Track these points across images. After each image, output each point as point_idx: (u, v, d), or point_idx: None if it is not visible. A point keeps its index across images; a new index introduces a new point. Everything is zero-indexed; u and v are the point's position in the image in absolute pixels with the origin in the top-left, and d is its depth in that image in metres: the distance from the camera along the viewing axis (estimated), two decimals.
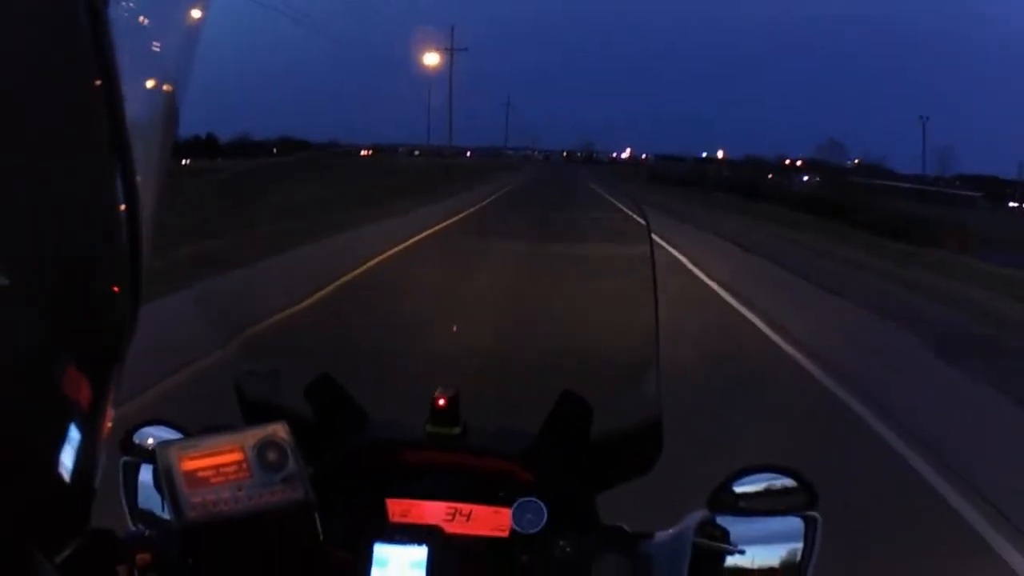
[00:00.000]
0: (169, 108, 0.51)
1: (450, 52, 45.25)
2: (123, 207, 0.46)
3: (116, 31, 0.43)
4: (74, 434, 0.45)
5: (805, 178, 55.46)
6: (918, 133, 60.48)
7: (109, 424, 0.50)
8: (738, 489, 1.09)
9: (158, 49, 0.50)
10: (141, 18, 0.48)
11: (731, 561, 1.07)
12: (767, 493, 1.09)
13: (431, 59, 45.81)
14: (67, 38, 0.42)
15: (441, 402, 1.23)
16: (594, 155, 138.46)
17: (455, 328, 6.64)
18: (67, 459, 0.45)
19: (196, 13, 0.52)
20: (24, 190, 0.41)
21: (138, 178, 0.46)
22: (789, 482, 1.09)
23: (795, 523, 1.08)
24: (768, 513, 1.09)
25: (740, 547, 1.07)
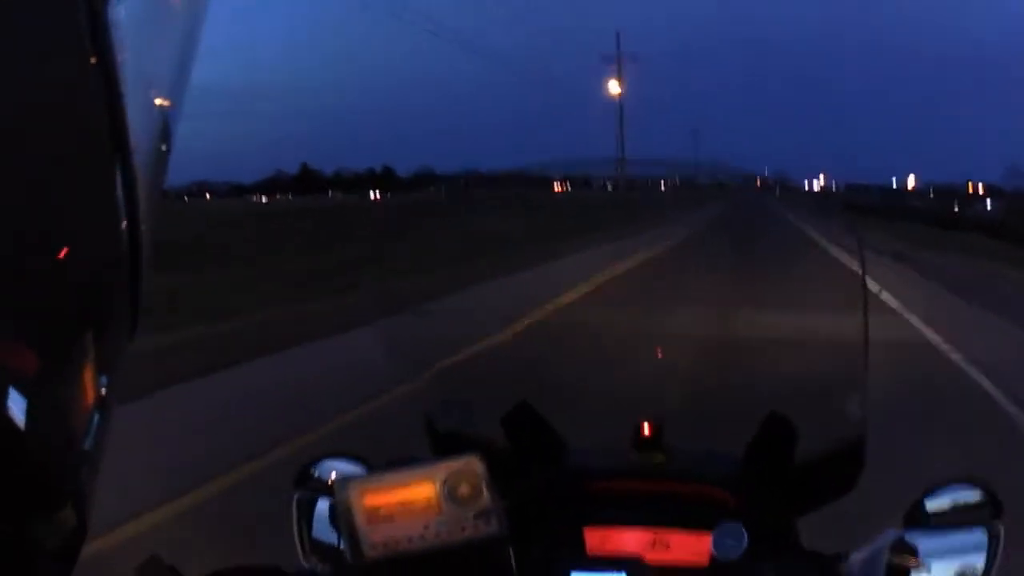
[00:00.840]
0: (170, 108, 0.51)
1: (619, 69, 45.71)
2: (123, 207, 0.46)
3: (116, 32, 0.44)
4: (71, 447, 0.45)
5: (988, 205, 53.33)
6: None
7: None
8: (930, 505, 1.09)
9: (158, 49, 0.50)
10: (141, 17, 0.48)
11: None
12: (956, 507, 1.10)
13: (614, 87, 47.17)
14: (67, 38, 0.42)
15: (646, 429, 1.22)
16: (789, 184, 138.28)
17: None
18: (66, 467, 0.45)
19: (197, 12, 0.53)
20: (23, 191, 0.41)
21: (138, 179, 0.46)
22: (977, 494, 1.09)
23: (979, 535, 1.07)
24: (955, 527, 1.08)
25: (925, 561, 1.06)
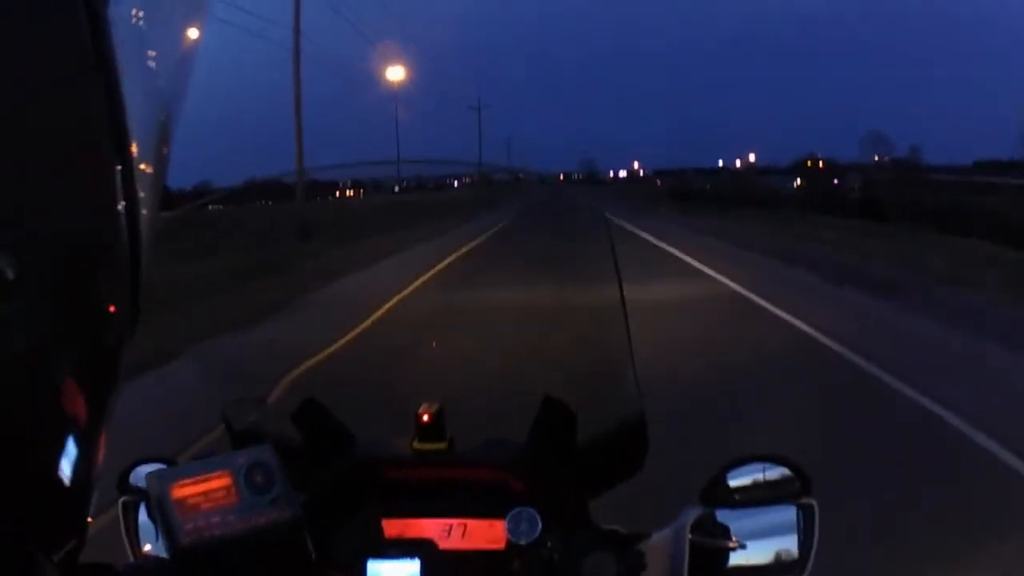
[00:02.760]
0: (169, 108, 0.53)
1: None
2: (123, 207, 0.47)
3: (116, 32, 0.45)
4: (72, 449, 0.47)
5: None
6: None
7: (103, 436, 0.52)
8: (732, 482, 1.12)
9: (158, 50, 0.52)
10: (141, 19, 0.50)
11: (732, 556, 1.11)
12: (760, 484, 1.13)
13: (395, 74, 38.15)
14: (67, 38, 0.44)
15: (425, 418, 1.26)
16: (596, 176, 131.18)
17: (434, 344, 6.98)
18: (67, 470, 0.47)
19: (196, 13, 0.54)
20: (24, 190, 0.42)
21: (138, 178, 0.48)
22: (782, 471, 1.13)
23: (791, 512, 1.12)
24: (763, 504, 1.12)
25: (741, 541, 1.10)
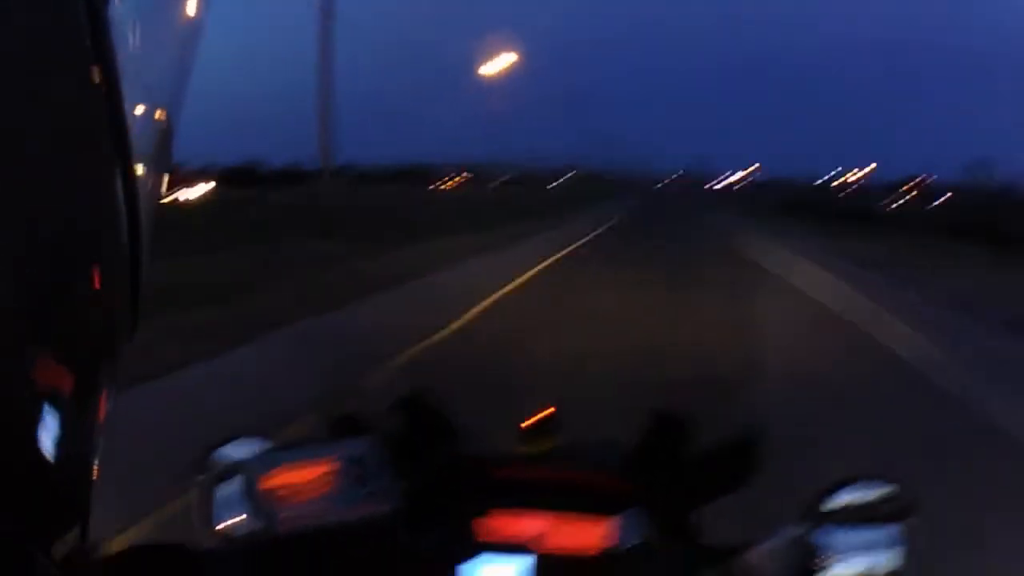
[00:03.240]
0: (170, 108, 0.53)
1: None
2: (123, 207, 0.48)
3: (116, 31, 0.45)
4: (71, 445, 0.47)
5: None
6: None
7: (102, 415, 0.51)
8: (834, 501, 1.11)
9: (159, 49, 0.52)
10: (141, 17, 0.49)
11: (827, 574, 1.09)
12: (863, 503, 1.12)
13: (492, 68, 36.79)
14: (67, 38, 0.44)
15: (534, 418, 1.26)
16: (702, 180, 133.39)
17: None
18: (65, 466, 0.47)
19: (197, 12, 0.54)
20: (24, 191, 0.42)
21: (138, 179, 0.48)
22: (885, 491, 1.12)
23: (892, 533, 1.11)
24: (861, 524, 1.11)
25: (835, 560, 1.08)
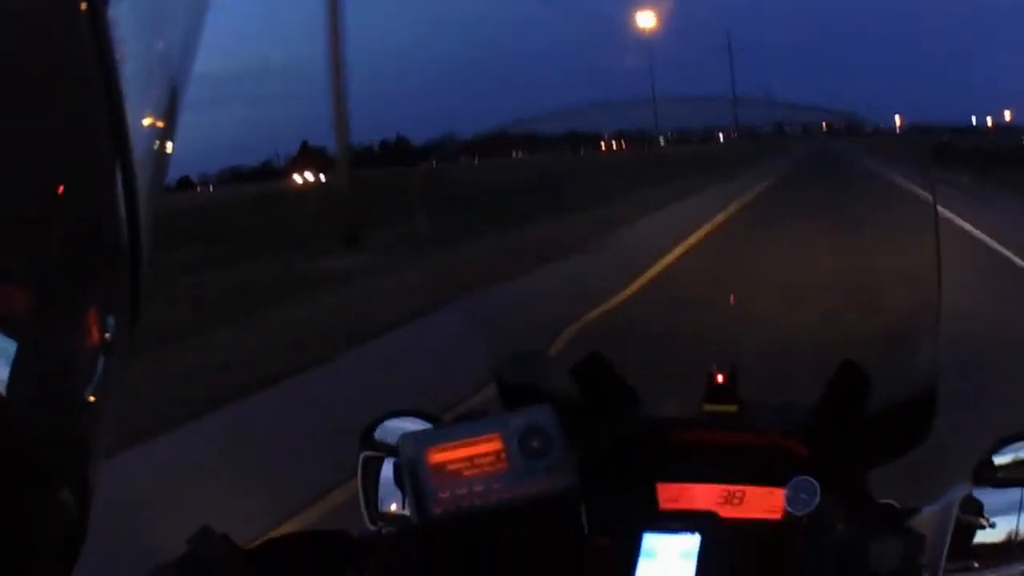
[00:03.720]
0: (170, 107, 0.53)
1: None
2: (123, 206, 0.48)
3: (116, 30, 0.45)
4: (71, 445, 0.48)
5: None
6: None
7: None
8: (999, 460, 1.08)
9: (159, 48, 0.52)
10: (142, 17, 0.49)
11: (982, 535, 1.05)
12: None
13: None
14: (67, 38, 0.44)
15: (719, 378, 1.22)
16: (857, 128, 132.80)
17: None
18: (65, 466, 0.47)
19: (197, 12, 0.54)
20: (25, 190, 0.43)
21: (138, 178, 0.48)
22: None
23: None
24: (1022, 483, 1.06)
25: (990, 518, 1.05)
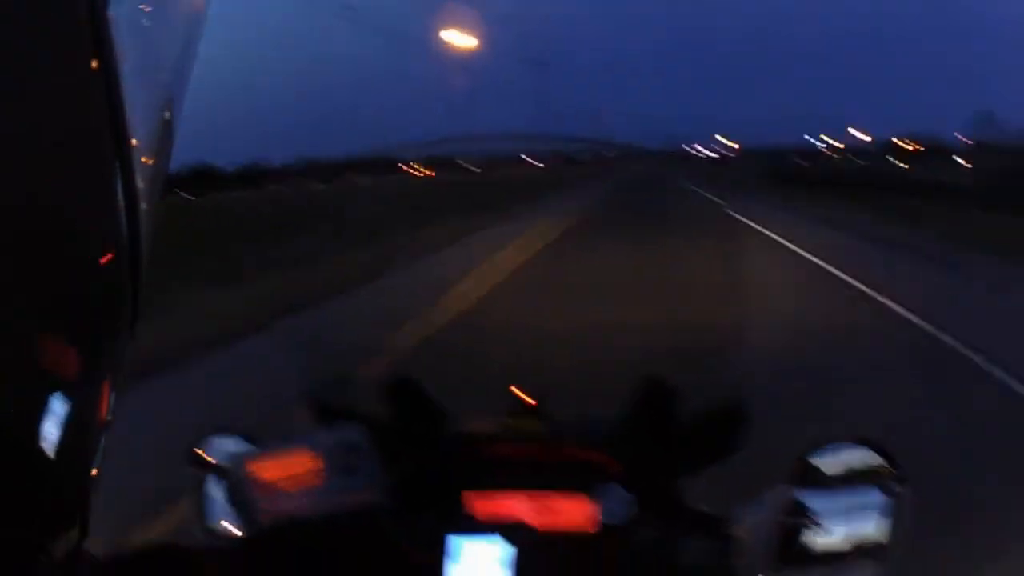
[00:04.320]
0: (170, 107, 0.54)
1: None
2: (123, 207, 0.49)
3: (116, 30, 0.46)
4: (73, 445, 0.48)
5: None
6: None
7: (107, 411, 0.52)
8: (820, 463, 1.12)
9: (160, 47, 0.53)
10: (142, 17, 0.50)
11: (812, 539, 1.10)
12: (850, 467, 1.13)
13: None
14: (67, 38, 0.45)
15: (520, 394, 1.28)
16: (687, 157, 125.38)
17: None
18: (67, 466, 0.48)
19: (197, 11, 0.55)
20: (24, 191, 0.44)
21: (138, 178, 0.49)
22: (872, 456, 1.12)
23: (879, 498, 1.11)
24: (851, 487, 1.12)
25: (822, 523, 1.10)
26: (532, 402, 1.28)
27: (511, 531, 1.10)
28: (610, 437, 1.26)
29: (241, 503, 1.02)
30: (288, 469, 1.04)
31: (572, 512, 1.18)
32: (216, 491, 1.19)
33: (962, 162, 48.87)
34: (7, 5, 0.43)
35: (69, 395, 0.47)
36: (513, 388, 1.28)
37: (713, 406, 1.26)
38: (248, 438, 1.21)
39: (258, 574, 0.99)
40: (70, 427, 0.47)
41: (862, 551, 1.11)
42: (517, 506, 1.19)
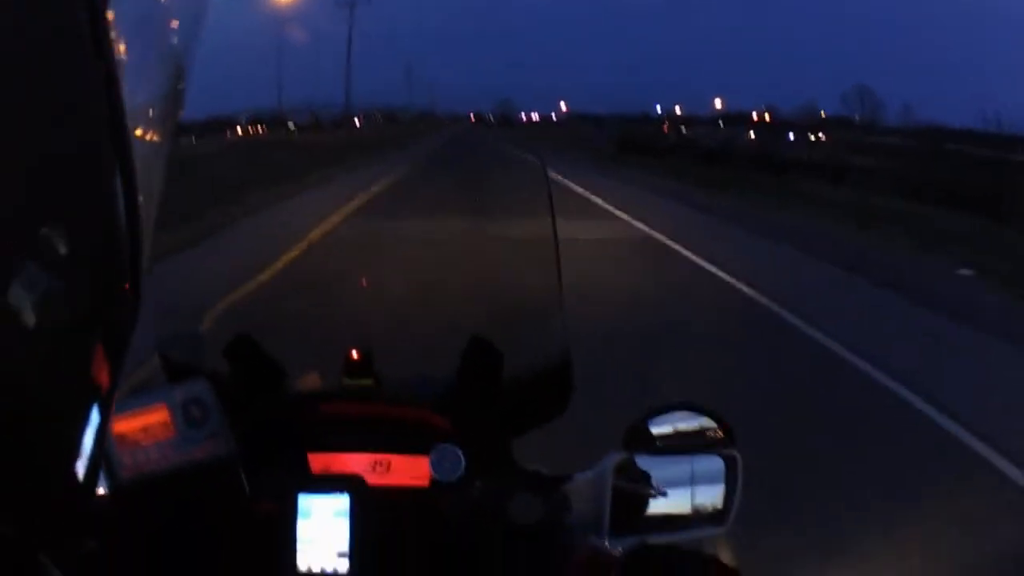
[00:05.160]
0: (170, 107, 0.54)
1: None
2: (123, 206, 0.49)
3: (116, 30, 0.47)
4: (75, 445, 0.49)
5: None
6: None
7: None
8: (654, 429, 1.17)
9: (159, 45, 0.53)
10: (142, 18, 0.51)
11: (653, 503, 1.16)
12: (684, 432, 1.18)
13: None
14: (67, 38, 0.45)
15: (354, 355, 1.35)
16: (512, 118, 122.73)
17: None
18: (68, 465, 0.49)
19: (196, 13, 0.55)
20: (24, 190, 0.44)
21: (138, 178, 0.50)
22: (706, 421, 1.18)
23: (715, 461, 1.17)
24: (686, 452, 1.17)
25: (662, 489, 1.15)
26: (359, 359, 1.34)
27: (349, 483, 1.16)
28: (440, 397, 1.33)
29: (104, 459, 1.03)
30: (143, 423, 1.06)
31: (407, 470, 1.26)
32: None
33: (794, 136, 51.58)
34: (7, 5, 0.43)
35: (70, 395, 0.48)
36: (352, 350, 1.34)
37: (538, 369, 1.33)
38: None
39: (121, 525, 1.03)
40: (70, 424, 0.48)
41: (700, 514, 1.17)
42: (355, 464, 1.27)
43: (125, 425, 1.06)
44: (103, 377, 0.50)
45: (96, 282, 0.49)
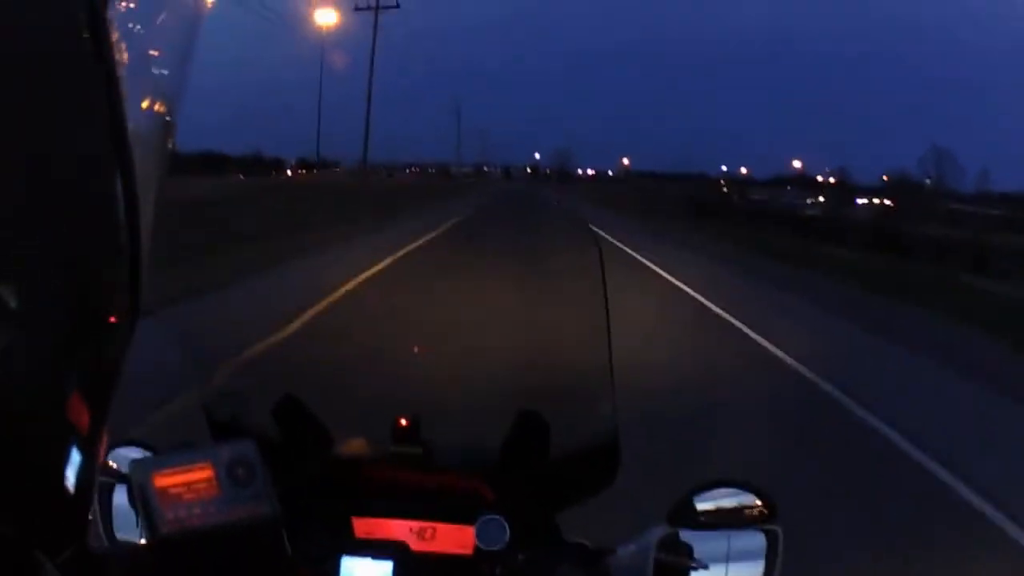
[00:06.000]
0: (170, 107, 0.55)
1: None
2: (123, 207, 0.50)
3: (116, 30, 0.47)
4: (75, 455, 0.50)
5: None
6: None
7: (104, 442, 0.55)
8: (699, 504, 1.17)
9: (158, 49, 0.54)
10: (140, 20, 0.51)
11: None
12: (728, 508, 1.17)
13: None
14: (67, 39, 0.45)
15: (403, 422, 1.35)
16: (569, 172, 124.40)
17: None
18: (70, 475, 0.50)
19: (194, 14, 0.56)
20: (24, 196, 0.44)
21: (138, 179, 0.50)
22: (749, 497, 1.18)
23: (757, 538, 1.17)
24: (729, 528, 1.17)
25: (704, 563, 1.14)
26: (407, 426, 1.34)
27: (393, 549, 1.18)
28: (486, 467, 1.33)
29: (146, 511, 1.04)
30: (187, 479, 1.07)
31: (452, 538, 1.26)
32: (120, 499, 1.24)
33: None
34: (7, 5, 0.43)
35: (69, 396, 0.48)
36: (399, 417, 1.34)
37: (585, 442, 1.33)
38: (148, 447, 1.24)
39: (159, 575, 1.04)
40: (69, 425, 0.48)
41: None
42: (400, 530, 1.27)
43: (168, 480, 1.07)
44: (82, 419, 0.50)
45: (64, 332, 0.48)
